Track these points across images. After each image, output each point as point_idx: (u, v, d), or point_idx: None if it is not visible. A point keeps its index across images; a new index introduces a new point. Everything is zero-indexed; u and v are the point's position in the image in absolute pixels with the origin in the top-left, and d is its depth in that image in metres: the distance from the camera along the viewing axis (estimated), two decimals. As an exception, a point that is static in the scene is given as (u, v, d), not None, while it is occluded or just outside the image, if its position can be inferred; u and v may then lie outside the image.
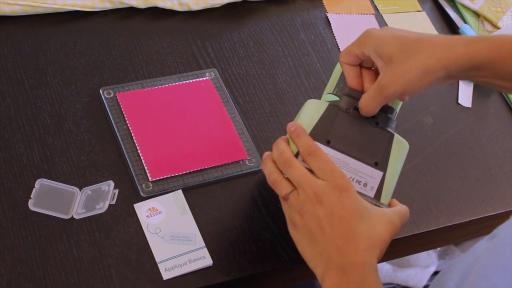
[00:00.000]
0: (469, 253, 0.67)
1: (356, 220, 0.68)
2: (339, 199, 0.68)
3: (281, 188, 0.72)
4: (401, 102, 0.81)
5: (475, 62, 0.71)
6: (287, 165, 0.71)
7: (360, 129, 0.75)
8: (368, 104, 0.74)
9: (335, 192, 0.68)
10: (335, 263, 0.67)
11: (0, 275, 0.74)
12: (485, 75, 0.73)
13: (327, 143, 0.74)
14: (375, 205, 0.72)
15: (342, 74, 0.80)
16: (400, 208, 0.73)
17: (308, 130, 0.74)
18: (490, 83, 0.75)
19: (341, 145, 0.75)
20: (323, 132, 0.74)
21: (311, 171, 0.71)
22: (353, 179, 0.74)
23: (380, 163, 0.75)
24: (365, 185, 0.74)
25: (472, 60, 0.71)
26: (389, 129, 0.76)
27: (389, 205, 0.75)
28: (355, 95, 0.76)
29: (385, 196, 0.75)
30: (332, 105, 0.76)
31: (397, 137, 0.76)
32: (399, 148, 0.76)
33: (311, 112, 0.76)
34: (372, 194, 0.74)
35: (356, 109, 0.76)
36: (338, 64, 0.80)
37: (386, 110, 0.77)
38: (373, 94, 0.73)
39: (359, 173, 0.74)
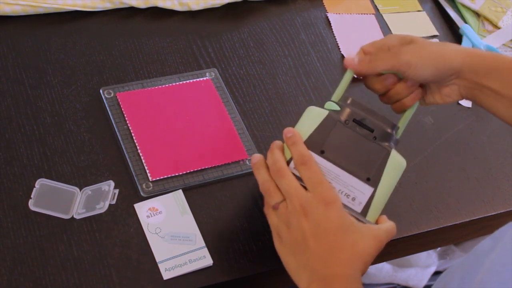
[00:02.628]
0: (470, 254, 0.67)
1: (341, 233, 0.68)
2: (324, 212, 0.68)
3: (273, 197, 0.71)
4: (409, 117, 0.80)
5: (488, 63, 0.74)
6: (279, 174, 0.71)
7: (356, 142, 0.74)
8: (378, 60, 0.75)
9: (321, 205, 0.68)
10: (318, 275, 0.67)
11: (0, 275, 0.74)
12: (492, 86, 0.74)
13: (321, 153, 0.74)
14: (359, 221, 0.72)
15: (351, 83, 0.79)
16: (388, 225, 0.73)
17: (304, 137, 0.74)
18: (496, 99, 0.76)
19: (334, 157, 0.74)
20: (318, 141, 0.74)
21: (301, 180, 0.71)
22: (341, 192, 0.73)
23: (372, 179, 0.74)
24: (353, 199, 0.73)
25: (485, 60, 0.74)
26: (387, 145, 0.75)
27: (377, 222, 0.74)
28: (356, 107, 0.75)
29: (373, 213, 0.74)
30: (331, 115, 0.75)
31: (394, 155, 0.75)
32: (394, 166, 0.75)
33: (309, 120, 0.75)
34: (359, 209, 0.73)
35: (356, 121, 0.75)
36: (348, 71, 0.79)
37: (388, 125, 0.76)
38: (387, 55, 0.75)
39: (348, 187, 0.73)
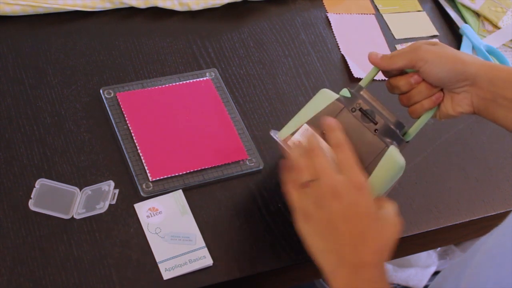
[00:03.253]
0: (468, 253, 0.67)
1: (370, 220, 0.68)
2: (356, 197, 0.68)
3: (304, 174, 0.71)
4: (423, 123, 0.81)
5: (504, 74, 0.75)
6: (315, 153, 0.71)
7: (358, 131, 0.75)
8: (398, 55, 0.77)
9: (353, 189, 0.69)
10: (347, 261, 0.67)
11: (0, 275, 0.74)
12: (509, 96, 0.75)
13: (322, 133, 0.75)
14: None
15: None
16: (395, 207, 0.74)
17: (309, 116, 0.75)
18: (510, 110, 0.76)
19: None
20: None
21: None
22: None
23: (365, 170, 0.74)
24: None
25: (501, 72, 0.75)
26: (388, 141, 0.75)
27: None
28: (368, 98, 0.77)
29: None
30: (340, 100, 0.76)
31: (391, 151, 0.75)
32: (390, 163, 0.75)
33: (319, 101, 0.77)
34: None
35: (362, 111, 0.76)
36: (373, 68, 0.80)
37: (394, 122, 0.76)
38: (406, 50, 0.77)
39: None
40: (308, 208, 0.70)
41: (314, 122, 0.75)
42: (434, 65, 0.76)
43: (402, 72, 0.80)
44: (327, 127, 0.74)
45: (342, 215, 0.68)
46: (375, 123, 0.75)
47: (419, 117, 0.81)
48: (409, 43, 1.11)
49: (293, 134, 0.76)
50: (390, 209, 0.72)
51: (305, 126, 0.76)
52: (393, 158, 0.75)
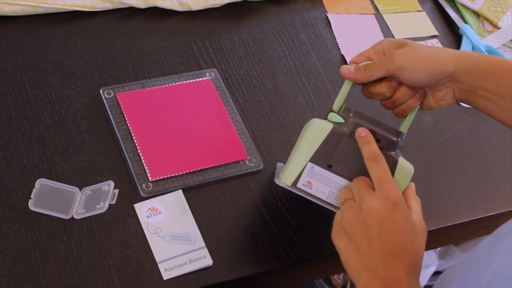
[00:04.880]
0: (471, 253, 0.67)
1: (404, 235, 0.68)
2: (390, 212, 0.68)
3: (345, 193, 0.73)
4: (411, 121, 0.81)
5: (480, 65, 0.74)
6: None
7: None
8: (373, 67, 0.75)
9: (387, 205, 0.68)
10: (381, 277, 0.66)
11: (0, 275, 0.74)
12: (487, 87, 0.75)
13: (328, 167, 0.74)
14: None
15: (349, 92, 0.79)
16: (419, 205, 0.75)
17: (311, 153, 0.74)
18: (490, 100, 0.76)
19: (342, 170, 0.74)
20: (325, 156, 0.74)
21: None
22: None
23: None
24: None
25: (477, 62, 0.75)
26: (394, 154, 0.75)
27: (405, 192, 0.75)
28: (360, 117, 0.75)
29: None
30: (336, 128, 0.74)
31: (401, 162, 0.75)
32: (403, 173, 0.75)
33: (315, 135, 0.75)
34: None
35: None
36: (346, 81, 0.79)
37: (393, 133, 0.76)
38: (381, 60, 0.75)
39: None
40: (344, 225, 0.70)
41: (317, 158, 0.74)
42: (413, 72, 0.75)
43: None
44: (361, 139, 0.73)
45: (377, 231, 0.68)
46: (378, 141, 0.75)
47: (405, 116, 0.81)
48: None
49: (299, 176, 0.75)
50: (417, 211, 0.72)
51: (310, 164, 0.75)
52: (406, 168, 0.75)
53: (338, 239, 0.71)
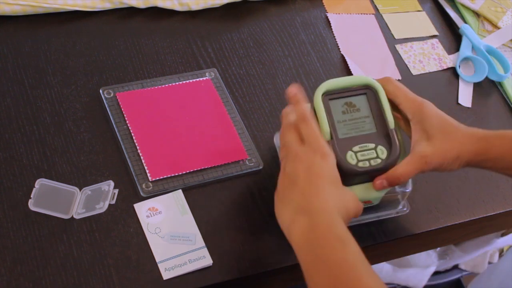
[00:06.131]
0: (506, 259, 0.67)
1: (329, 182, 0.71)
2: (319, 161, 0.71)
3: (281, 153, 0.77)
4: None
5: (492, 155, 0.79)
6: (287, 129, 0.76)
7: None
8: (407, 171, 0.77)
9: (317, 155, 0.72)
10: (302, 207, 0.69)
11: (0, 275, 0.74)
12: (497, 166, 0.80)
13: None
14: None
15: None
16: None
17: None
18: (499, 172, 0.82)
19: None
20: None
21: None
22: None
23: None
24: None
25: (489, 154, 0.79)
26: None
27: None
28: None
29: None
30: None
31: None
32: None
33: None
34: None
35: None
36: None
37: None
38: (413, 162, 0.77)
39: None
40: (280, 176, 0.74)
41: None
42: (442, 168, 0.79)
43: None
44: (291, 98, 0.76)
45: (303, 173, 0.71)
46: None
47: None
48: (408, 44, 1.11)
49: None
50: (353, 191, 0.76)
51: None
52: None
53: (276, 195, 0.74)
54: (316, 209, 0.69)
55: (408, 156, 0.78)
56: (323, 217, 0.68)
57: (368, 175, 0.78)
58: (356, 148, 0.77)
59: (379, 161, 0.77)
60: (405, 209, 0.88)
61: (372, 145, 0.78)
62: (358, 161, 0.77)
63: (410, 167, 0.77)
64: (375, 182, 0.78)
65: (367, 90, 0.80)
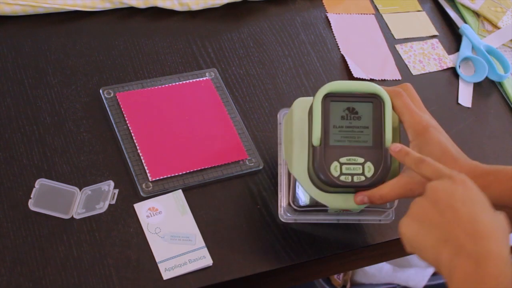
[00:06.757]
0: None
1: (480, 207, 0.62)
2: (461, 188, 0.64)
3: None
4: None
5: (488, 194, 0.69)
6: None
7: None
8: (391, 194, 0.74)
9: (456, 183, 0.64)
10: (466, 250, 0.59)
11: (0, 275, 0.74)
12: (496, 204, 0.71)
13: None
14: None
15: None
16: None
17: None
18: (497, 209, 0.74)
19: None
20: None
21: None
22: None
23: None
24: None
25: (485, 191, 0.69)
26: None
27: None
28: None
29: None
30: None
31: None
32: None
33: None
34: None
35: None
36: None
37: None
38: (399, 186, 0.74)
39: None
40: (409, 212, 0.66)
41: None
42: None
43: None
44: (398, 153, 0.72)
45: (447, 203, 0.62)
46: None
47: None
48: (408, 44, 1.11)
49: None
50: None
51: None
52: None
53: (405, 227, 0.65)
54: (483, 254, 0.59)
55: (396, 177, 0.75)
56: (492, 265, 0.58)
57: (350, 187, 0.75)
58: (343, 160, 0.74)
59: (363, 178, 0.74)
60: (390, 217, 0.83)
61: (361, 160, 0.74)
62: (341, 174, 0.73)
63: (394, 191, 0.74)
64: (356, 196, 0.75)
65: (373, 99, 0.76)
